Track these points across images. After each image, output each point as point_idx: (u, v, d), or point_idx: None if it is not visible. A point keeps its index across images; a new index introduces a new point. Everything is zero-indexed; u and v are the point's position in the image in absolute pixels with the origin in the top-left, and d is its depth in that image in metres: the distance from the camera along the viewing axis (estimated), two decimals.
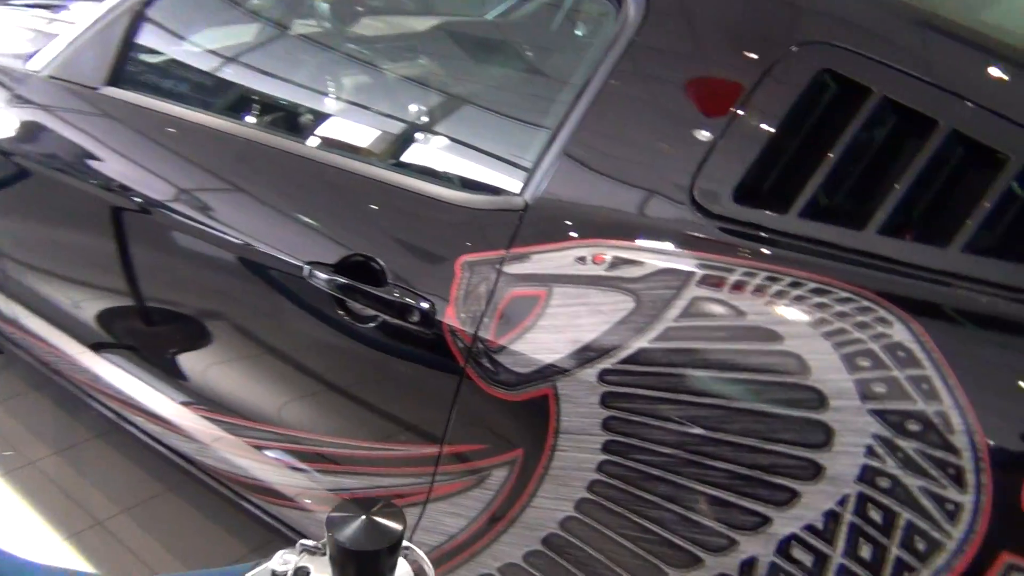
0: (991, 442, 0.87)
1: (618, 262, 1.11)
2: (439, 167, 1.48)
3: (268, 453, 1.55)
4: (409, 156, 1.52)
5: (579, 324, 1.12)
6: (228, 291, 1.58)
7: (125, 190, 1.66)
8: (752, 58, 1.13)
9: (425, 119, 1.57)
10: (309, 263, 1.37)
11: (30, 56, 2.06)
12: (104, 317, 1.85)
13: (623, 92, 1.20)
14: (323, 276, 1.34)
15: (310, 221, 1.42)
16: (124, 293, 1.78)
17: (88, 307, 1.88)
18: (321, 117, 1.66)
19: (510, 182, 1.31)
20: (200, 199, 1.55)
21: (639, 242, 1.12)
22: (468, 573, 1.29)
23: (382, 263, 1.31)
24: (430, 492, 1.32)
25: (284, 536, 1.58)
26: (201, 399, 1.67)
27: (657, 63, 1.20)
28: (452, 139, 1.51)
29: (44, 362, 2.06)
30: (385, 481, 1.40)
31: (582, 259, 1.14)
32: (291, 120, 1.66)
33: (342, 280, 1.33)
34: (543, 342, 1.14)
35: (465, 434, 1.26)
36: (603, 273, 1.12)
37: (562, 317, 1.13)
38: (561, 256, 1.16)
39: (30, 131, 1.87)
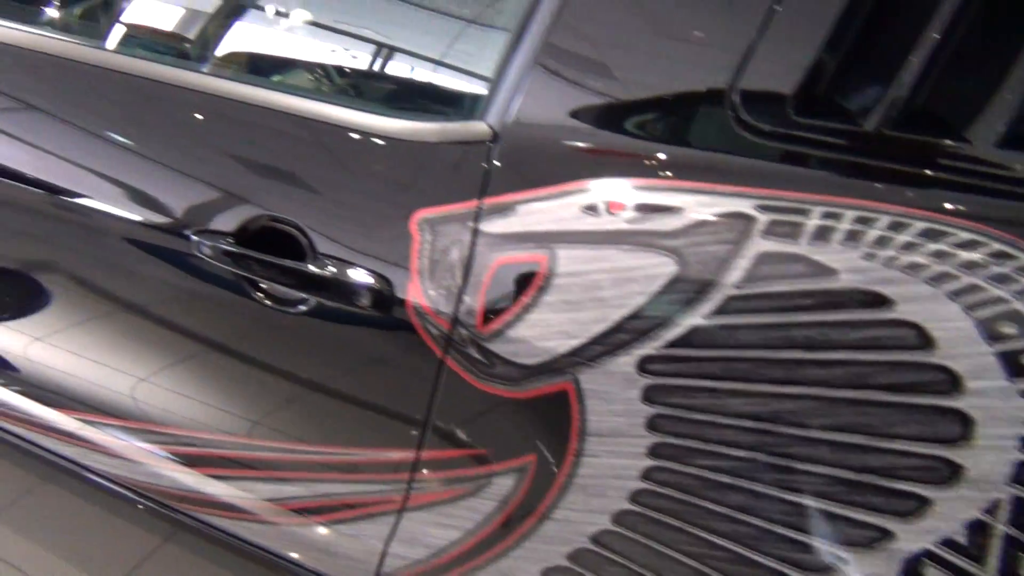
0: None
1: (645, 210, 0.82)
2: (361, 86, 1.10)
3: (177, 459, 1.23)
4: (320, 74, 1.13)
5: (602, 298, 0.83)
6: (81, 270, 1.18)
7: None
8: None
9: (334, 21, 1.16)
10: (198, 232, 1.00)
11: None
12: None
13: None
14: (219, 248, 0.98)
15: (190, 172, 1.03)
16: None
17: None
18: (189, 20, 1.20)
19: (463, 100, 0.97)
20: (52, 155, 1.11)
21: (667, 179, 0.83)
22: None
23: (303, 227, 0.96)
24: (405, 501, 1.05)
25: (207, 536, 1.27)
26: (75, 402, 1.29)
27: None
28: (373, 44, 1.12)
29: None
30: (339, 488, 1.11)
31: (592, 208, 0.84)
32: (141, 26, 1.21)
33: (248, 253, 0.98)
34: (553, 324, 0.86)
35: (451, 438, 0.98)
36: (626, 226, 0.82)
37: (575, 290, 0.84)
38: (560, 205, 0.85)
39: None
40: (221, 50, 1.19)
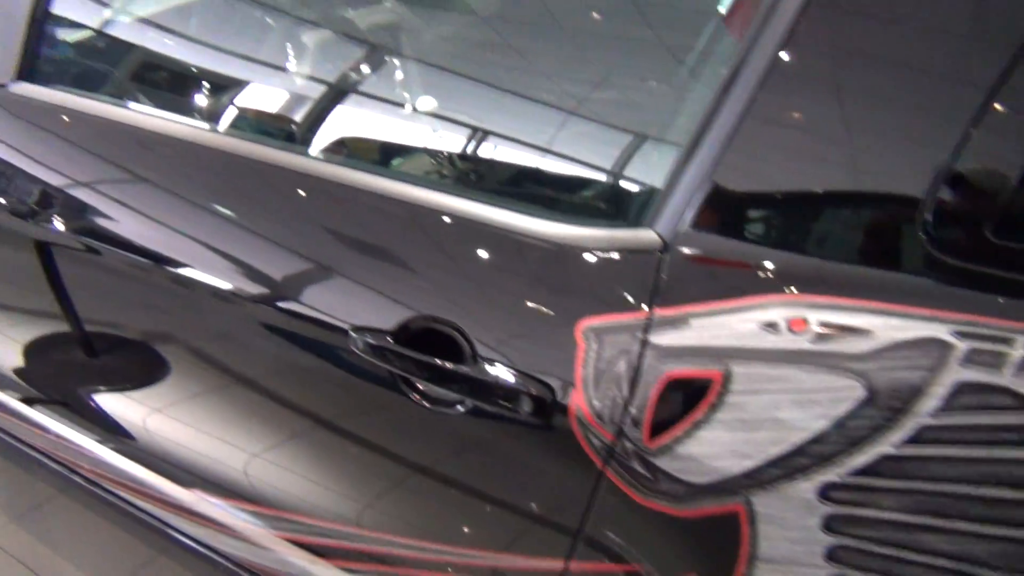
0: None
1: (830, 330, 0.80)
2: (523, 187, 1.11)
3: (314, 549, 1.22)
4: (480, 173, 1.15)
5: (781, 419, 0.81)
6: (237, 361, 1.20)
7: (101, 238, 1.25)
8: None
9: (495, 121, 1.18)
10: (356, 328, 1.01)
11: None
12: (43, 369, 1.46)
13: (807, 72, 0.84)
14: (378, 346, 0.99)
15: (347, 269, 1.05)
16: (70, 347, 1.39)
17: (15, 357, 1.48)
18: (340, 119, 1.25)
19: (627, 205, 0.97)
20: (180, 234, 1.15)
21: (854, 299, 0.80)
22: None
23: (464, 329, 0.96)
24: None
25: None
26: (212, 485, 1.31)
27: (856, 29, 0.85)
28: (537, 148, 1.14)
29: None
30: None
31: (772, 325, 0.82)
32: (295, 123, 1.25)
33: (407, 353, 0.98)
34: (726, 442, 0.83)
35: (605, 551, 0.95)
36: (809, 346, 0.80)
37: (752, 408, 0.82)
38: (737, 320, 0.83)
39: None
40: (366, 140, 1.22)
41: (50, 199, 1.27)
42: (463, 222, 1.00)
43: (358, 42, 1.35)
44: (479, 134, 1.15)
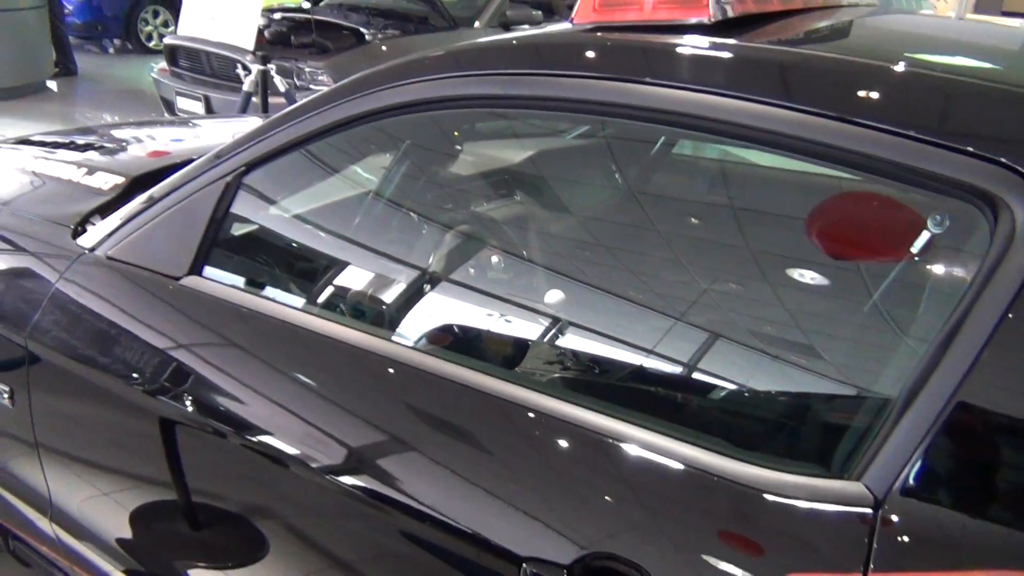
0: None
1: None
2: (712, 420, 1.09)
3: None
4: (675, 403, 1.14)
5: None
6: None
7: (233, 423, 1.26)
8: None
9: (686, 351, 1.19)
10: (528, 559, 0.97)
11: (79, 223, 1.68)
12: None
13: None
14: None
15: (520, 496, 1.02)
16: None
17: None
18: (526, 336, 1.26)
19: (835, 454, 0.94)
20: (350, 449, 1.14)
21: None
22: None
23: (648, 570, 0.91)
24: None
25: None
26: None
27: None
28: (729, 381, 1.13)
29: None
30: None
31: None
32: (471, 342, 1.26)
33: None
34: None
35: None
36: None
37: None
38: None
39: (87, 328, 1.46)
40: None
41: (193, 382, 1.29)
42: (649, 455, 0.97)
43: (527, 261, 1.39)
44: (668, 363, 1.15)
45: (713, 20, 1.15)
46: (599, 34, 1.23)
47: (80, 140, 2.28)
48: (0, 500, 1.76)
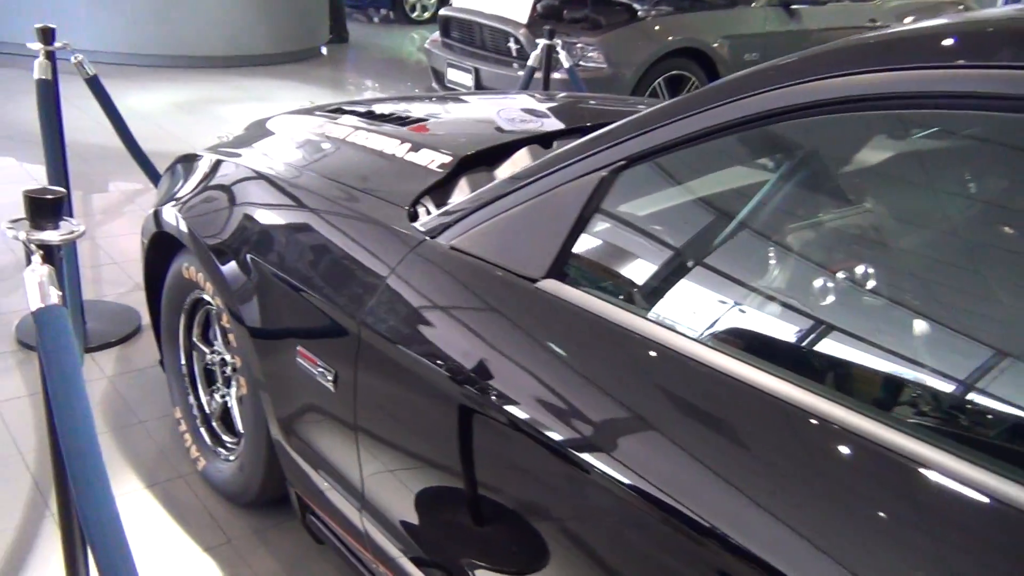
0: None
1: None
2: None
3: None
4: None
5: None
6: None
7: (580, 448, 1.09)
8: None
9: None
10: None
11: (412, 204, 1.59)
12: None
13: None
14: None
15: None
16: None
17: None
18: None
19: None
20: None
21: None
22: None
23: None
24: None
25: None
26: None
27: None
28: None
29: None
30: None
31: None
32: (885, 392, 1.00)
33: None
34: None
35: None
36: None
37: None
38: None
39: (427, 319, 1.35)
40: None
41: (541, 393, 1.13)
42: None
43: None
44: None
45: None
46: None
47: (397, 110, 2.23)
48: (308, 479, 1.72)
